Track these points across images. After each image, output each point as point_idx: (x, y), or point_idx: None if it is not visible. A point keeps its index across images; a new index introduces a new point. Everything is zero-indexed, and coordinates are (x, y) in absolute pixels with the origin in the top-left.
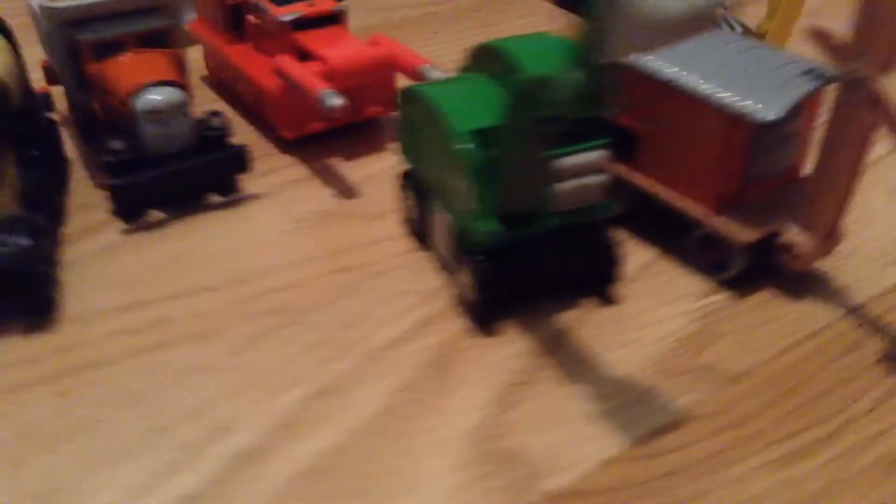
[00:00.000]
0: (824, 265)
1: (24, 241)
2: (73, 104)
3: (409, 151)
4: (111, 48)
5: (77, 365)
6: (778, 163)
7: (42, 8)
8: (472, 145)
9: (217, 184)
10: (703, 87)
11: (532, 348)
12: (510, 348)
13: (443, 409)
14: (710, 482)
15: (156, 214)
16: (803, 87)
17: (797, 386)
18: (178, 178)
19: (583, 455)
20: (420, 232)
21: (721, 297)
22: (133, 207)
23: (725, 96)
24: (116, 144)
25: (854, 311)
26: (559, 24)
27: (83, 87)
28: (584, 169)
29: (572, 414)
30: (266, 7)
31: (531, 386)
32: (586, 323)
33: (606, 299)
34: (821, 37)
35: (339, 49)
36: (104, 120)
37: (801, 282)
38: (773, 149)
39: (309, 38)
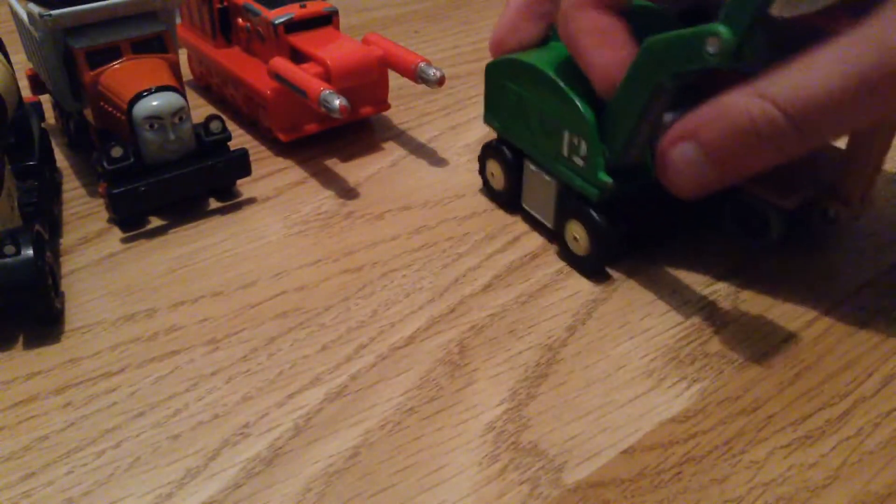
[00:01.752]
0: (824, 248)
1: (28, 253)
2: (62, 113)
3: (500, 121)
4: (106, 55)
5: (85, 376)
6: None
7: (36, 15)
8: (587, 105)
9: (217, 188)
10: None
11: (543, 342)
12: (522, 343)
13: (460, 405)
14: (725, 469)
15: (155, 221)
16: None
17: (805, 369)
18: (178, 184)
19: (600, 447)
20: (508, 198)
21: (724, 285)
22: (133, 215)
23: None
24: (115, 152)
25: (856, 291)
26: None
27: (77, 95)
28: None
29: (587, 406)
30: (258, 10)
31: (546, 379)
32: (596, 314)
33: (688, 240)
34: None
35: (334, 50)
36: (97, 128)
37: (802, 265)
38: None
39: (302, 40)
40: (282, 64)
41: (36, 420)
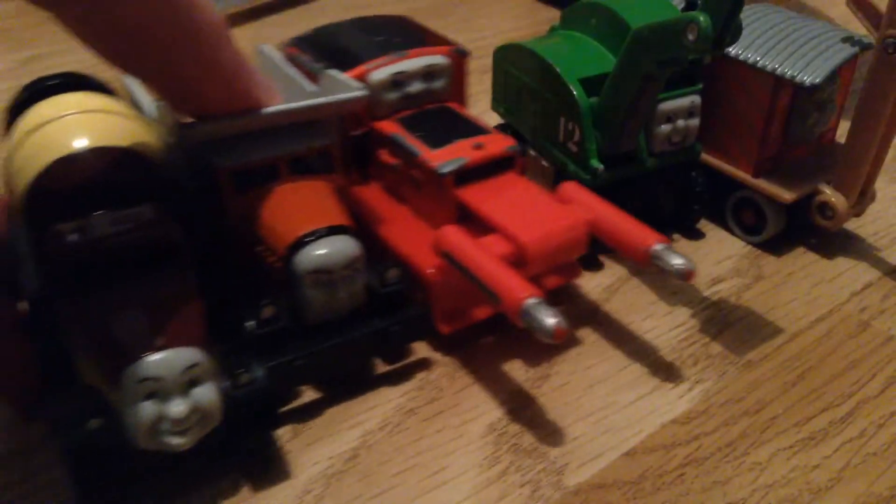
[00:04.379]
0: (827, 248)
1: (261, 379)
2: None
3: (504, 106)
4: (257, 176)
5: None
6: (815, 128)
7: (176, 126)
8: (582, 92)
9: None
10: (747, 54)
11: (545, 343)
12: (523, 344)
13: (460, 406)
14: (727, 471)
15: None
16: (842, 53)
17: (809, 370)
18: (343, 353)
19: (601, 448)
20: None
21: (727, 286)
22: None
23: (770, 62)
24: (266, 312)
25: (859, 292)
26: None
27: (216, 228)
28: (681, 112)
29: (589, 408)
30: (414, 147)
31: (547, 381)
32: (598, 315)
33: (693, 233)
34: (860, 5)
35: (526, 217)
36: (238, 265)
37: (805, 266)
38: (811, 114)
39: (478, 196)
40: (456, 239)
41: (34, 421)
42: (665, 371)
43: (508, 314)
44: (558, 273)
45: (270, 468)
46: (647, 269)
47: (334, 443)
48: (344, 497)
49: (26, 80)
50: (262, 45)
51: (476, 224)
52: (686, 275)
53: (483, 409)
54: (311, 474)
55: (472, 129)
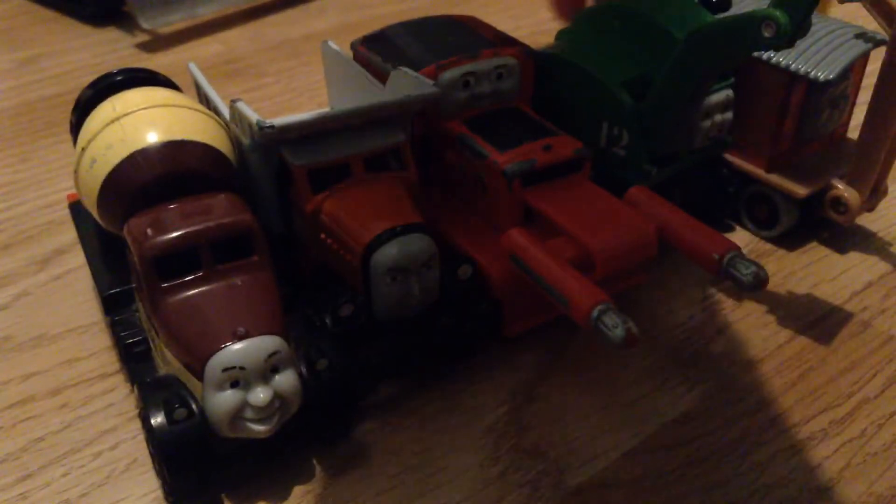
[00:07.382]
0: (828, 248)
1: (341, 364)
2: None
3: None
4: (332, 174)
5: (82, 377)
6: (828, 123)
7: (253, 125)
8: (627, 95)
9: (455, 350)
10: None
11: (546, 344)
12: (523, 344)
13: (461, 407)
14: (728, 471)
15: None
16: (855, 49)
17: (808, 371)
18: (415, 351)
19: (602, 449)
20: None
21: (728, 285)
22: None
23: (784, 59)
24: (345, 310)
25: (860, 291)
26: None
27: (289, 225)
28: (718, 107)
29: (590, 408)
30: (482, 148)
31: (548, 381)
32: None
33: (724, 226)
34: (874, 1)
35: (595, 221)
36: (312, 261)
37: (805, 265)
38: (824, 110)
39: (545, 199)
40: (524, 242)
41: (33, 421)
42: (666, 371)
43: (577, 319)
44: (625, 277)
45: (272, 465)
46: (717, 277)
47: (334, 442)
48: (344, 497)
49: (26, 79)
50: (328, 41)
51: (540, 226)
52: (759, 284)
53: (484, 411)
54: (311, 474)
55: (540, 130)
